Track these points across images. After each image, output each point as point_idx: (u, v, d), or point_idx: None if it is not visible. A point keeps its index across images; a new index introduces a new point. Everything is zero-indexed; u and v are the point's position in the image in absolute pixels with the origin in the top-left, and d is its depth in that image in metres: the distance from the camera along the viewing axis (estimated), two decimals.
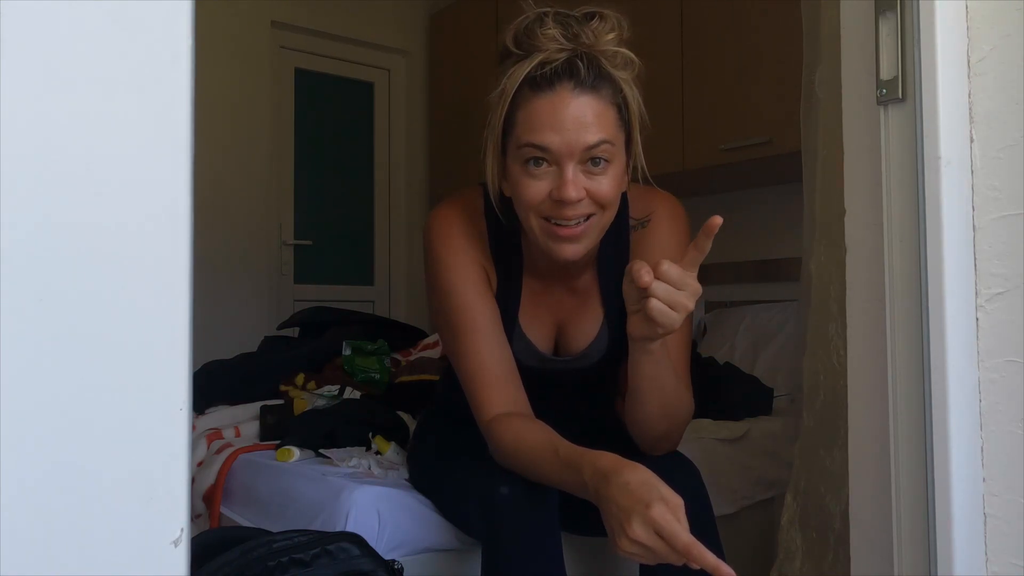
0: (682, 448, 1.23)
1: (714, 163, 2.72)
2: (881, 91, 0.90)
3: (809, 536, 1.28)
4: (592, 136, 1.04)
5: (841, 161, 0.97)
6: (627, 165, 1.12)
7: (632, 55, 1.08)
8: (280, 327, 2.64)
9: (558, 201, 1.05)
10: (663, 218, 1.22)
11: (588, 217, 1.08)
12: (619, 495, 0.90)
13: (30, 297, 0.50)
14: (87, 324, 0.52)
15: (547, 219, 1.08)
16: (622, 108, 1.09)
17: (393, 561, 1.06)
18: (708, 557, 0.83)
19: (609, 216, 1.11)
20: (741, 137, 2.62)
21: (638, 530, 0.87)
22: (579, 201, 1.06)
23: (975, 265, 0.87)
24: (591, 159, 1.05)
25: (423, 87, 4.29)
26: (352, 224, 4.13)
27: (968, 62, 0.88)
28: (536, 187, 1.07)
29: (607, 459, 0.97)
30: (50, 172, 0.51)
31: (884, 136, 0.90)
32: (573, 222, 1.07)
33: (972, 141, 0.88)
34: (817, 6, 1.33)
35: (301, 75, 3.96)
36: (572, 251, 1.09)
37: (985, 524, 0.86)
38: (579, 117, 1.04)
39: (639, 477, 0.91)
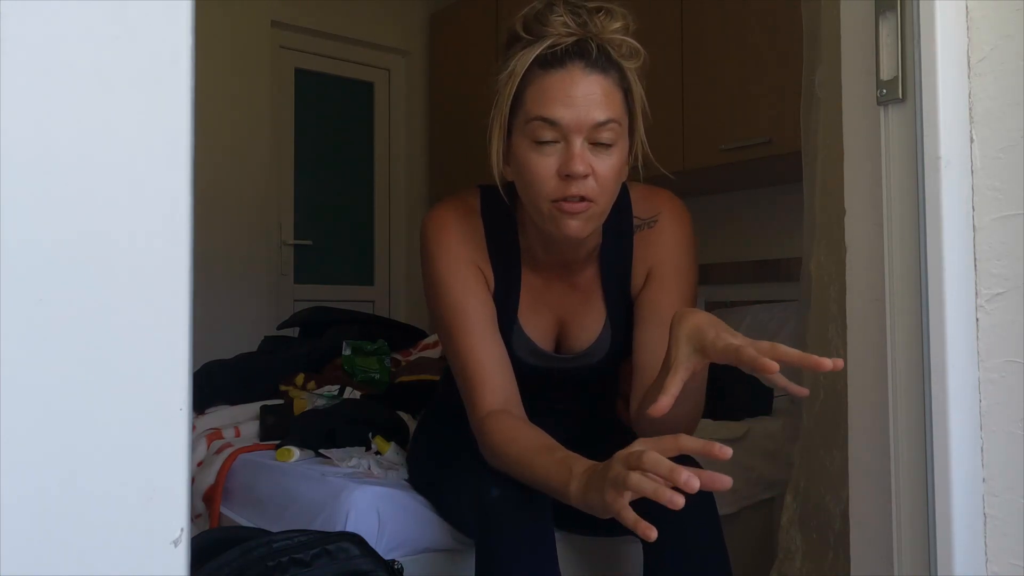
0: None
1: (714, 163, 2.72)
2: (881, 91, 0.90)
3: (809, 536, 1.28)
4: (601, 113, 1.05)
5: (841, 161, 0.97)
6: (628, 154, 1.13)
7: (638, 46, 1.10)
8: (280, 327, 2.64)
9: (566, 176, 1.06)
10: (669, 220, 1.23)
11: (586, 201, 1.08)
12: (603, 467, 0.92)
13: (30, 297, 0.50)
14: (87, 324, 0.52)
15: (553, 200, 1.08)
16: (627, 93, 1.10)
17: (393, 561, 1.06)
18: (693, 441, 0.84)
19: (606, 203, 1.11)
20: (741, 137, 2.62)
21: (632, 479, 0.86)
22: (585, 177, 1.06)
23: (975, 265, 0.87)
24: (597, 138, 1.06)
25: (423, 87, 4.29)
26: (352, 224, 4.13)
27: (968, 62, 0.88)
28: (543, 163, 1.07)
29: (599, 463, 0.98)
30: (50, 171, 0.51)
31: (884, 136, 0.90)
32: (577, 199, 1.07)
33: (972, 141, 0.88)
34: (817, 6, 1.33)
35: (301, 75, 3.96)
36: (576, 228, 1.09)
37: (985, 524, 0.86)
38: (589, 94, 1.05)
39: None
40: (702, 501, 1.10)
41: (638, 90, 1.11)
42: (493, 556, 1.06)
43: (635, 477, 0.84)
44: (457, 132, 3.99)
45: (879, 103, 0.90)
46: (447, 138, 4.10)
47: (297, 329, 2.59)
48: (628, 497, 0.86)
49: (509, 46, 1.11)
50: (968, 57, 0.88)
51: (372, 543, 1.13)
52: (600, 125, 1.05)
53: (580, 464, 0.99)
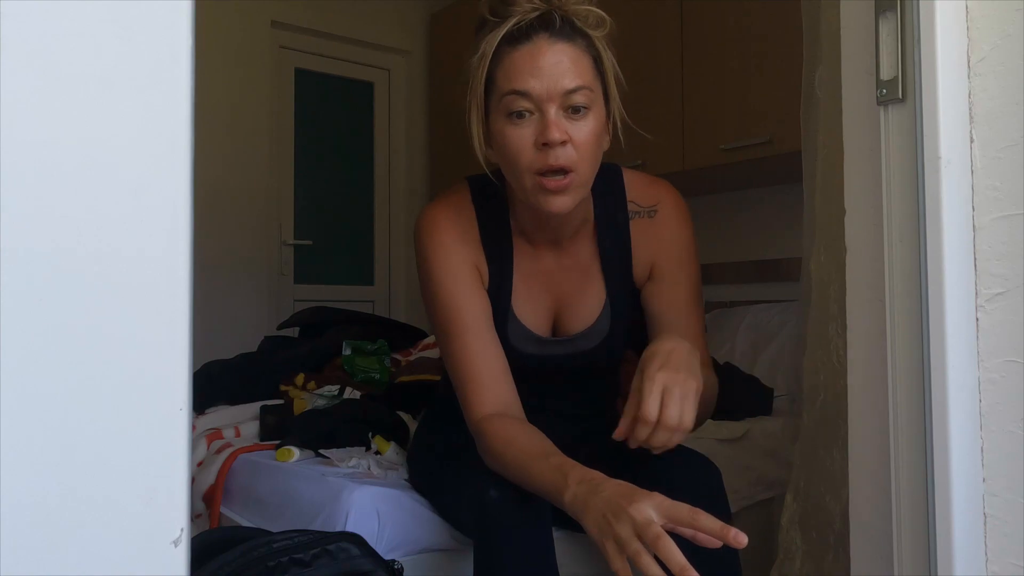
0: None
1: (714, 163, 2.73)
2: (881, 91, 0.90)
3: (809, 536, 1.28)
4: (570, 81, 1.07)
5: (841, 161, 0.97)
6: (607, 121, 1.14)
7: (603, 14, 1.12)
8: (280, 327, 2.63)
9: (543, 146, 1.07)
10: (671, 213, 1.24)
11: (567, 173, 1.08)
12: (608, 496, 0.93)
13: (30, 297, 0.50)
14: (87, 325, 0.52)
15: (537, 173, 1.09)
16: (597, 60, 1.12)
17: (393, 561, 1.06)
18: (712, 521, 0.86)
19: (586, 172, 1.11)
20: (741, 137, 2.62)
21: (644, 509, 0.89)
22: (563, 144, 1.07)
23: (975, 265, 0.87)
24: (571, 106, 1.08)
25: (423, 87, 4.29)
26: (352, 224, 4.13)
27: (968, 62, 0.88)
28: (520, 135, 1.08)
29: (596, 472, 0.98)
30: (49, 170, 0.51)
31: (884, 136, 0.90)
32: (559, 174, 1.08)
33: (972, 141, 0.88)
34: (817, 6, 1.33)
35: (301, 75, 3.96)
36: (560, 204, 1.10)
37: (985, 524, 0.86)
38: (557, 63, 1.07)
39: (625, 487, 0.93)
40: (716, 501, 1.10)
41: (608, 57, 1.13)
42: (492, 556, 1.06)
43: (646, 560, 0.87)
44: (457, 132, 3.95)
45: (879, 103, 0.90)
46: (447, 138, 4.09)
47: (297, 329, 2.59)
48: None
49: (478, 31, 1.13)
50: (968, 57, 0.88)
51: (372, 543, 1.13)
52: (571, 92, 1.07)
53: (576, 472, 0.99)
